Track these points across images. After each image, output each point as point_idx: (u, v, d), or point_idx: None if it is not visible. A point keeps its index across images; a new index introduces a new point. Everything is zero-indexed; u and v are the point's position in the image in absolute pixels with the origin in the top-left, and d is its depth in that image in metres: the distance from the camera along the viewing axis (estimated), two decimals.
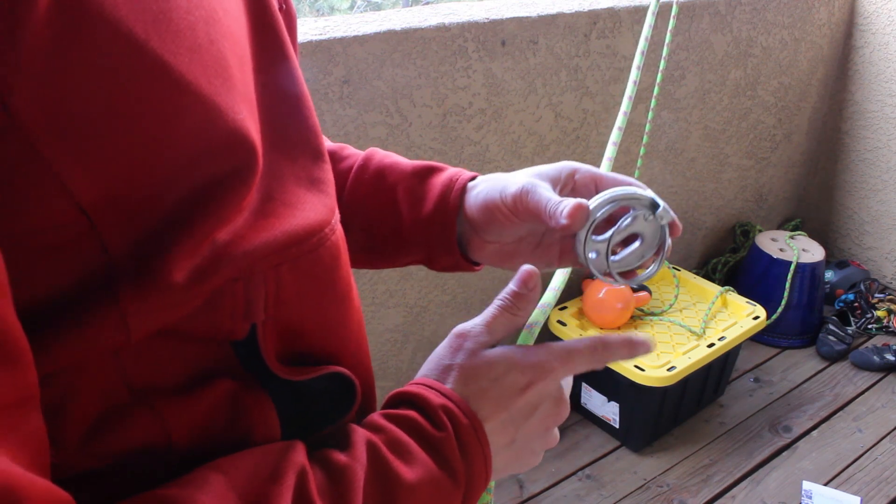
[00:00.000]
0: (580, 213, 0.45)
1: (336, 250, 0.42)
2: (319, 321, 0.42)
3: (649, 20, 0.70)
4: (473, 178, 0.55)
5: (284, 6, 0.44)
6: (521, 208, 0.50)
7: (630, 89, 0.68)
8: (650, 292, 1.75)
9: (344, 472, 0.38)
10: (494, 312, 0.48)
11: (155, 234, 0.32)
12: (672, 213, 0.50)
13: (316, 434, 0.44)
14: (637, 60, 0.69)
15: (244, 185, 0.34)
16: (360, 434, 0.41)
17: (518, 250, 0.55)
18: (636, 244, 0.50)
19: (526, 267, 0.49)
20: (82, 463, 0.33)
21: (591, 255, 0.49)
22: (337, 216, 0.43)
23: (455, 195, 0.54)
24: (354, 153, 0.62)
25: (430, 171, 0.56)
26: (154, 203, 0.31)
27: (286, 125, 0.41)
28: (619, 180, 0.52)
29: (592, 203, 0.48)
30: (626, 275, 0.51)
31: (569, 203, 0.46)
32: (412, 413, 0.43)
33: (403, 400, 0.45)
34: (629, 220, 0.49)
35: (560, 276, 0.59)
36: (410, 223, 0.56)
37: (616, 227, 0.48)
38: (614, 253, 0.50)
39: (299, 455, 0.38)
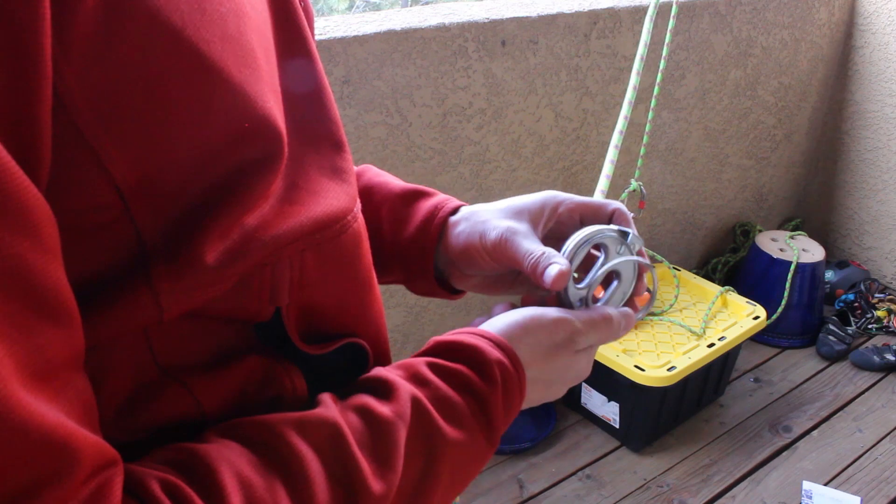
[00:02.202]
0: (562, 280, 0.47)
1: (358, 237, 0.43)
2: (342, 305, 0.44)
3: (647, 26, 0.70)
4: (458, 209, 0.55)
5: (303, 2, 0.45)
6: (500, 256, 0.51)
7: (630, 94, 0.69)
8: (650, 292, 1.76)
9: (386, 427, 0.38)
10: (611, 324, 0.50)
11: (186, 217, 0.33)
12: (640, 239, 0.52)
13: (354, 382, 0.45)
14: (637, 66, 0.69)
15: (271, 171, 0.36)
16: (405, 389, 0.41)
17: (500, 281, 0.56)
18: (615, 284, 0.52)
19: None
20: (117, 437, 0.33)
21: (578, 304, 0.50)
22: (359, 205, 0.44)
23: (437, 223, 0.54)
24: None
25: (417, 196, 0.56)
26: (186, 186, 0.33)
27: (308, 116, 0.42)
28: (601, 208, 0.53)
29: (565, 249, 0.50)
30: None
31: (550, 270, 0.47)
32: (463, 368, 0.43)
33: (455, 350, 0.45)
34: (602, 261, 0.51)
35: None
36: (391, 244, 0.56)
37: (591, 275, 0.50)
38: (596, 300, 0.52)
39: (327, 411, 0.38)
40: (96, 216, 0.31)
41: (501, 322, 0.47)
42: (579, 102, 1.61)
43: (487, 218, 0.52)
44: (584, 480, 1.56)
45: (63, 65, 0.27)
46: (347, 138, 0.45)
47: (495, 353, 0.44)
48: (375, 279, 0.48)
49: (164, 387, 0.36)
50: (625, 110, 0.67)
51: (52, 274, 0.27)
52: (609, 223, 0.52)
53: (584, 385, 1.68)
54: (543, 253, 0.48)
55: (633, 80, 0.68)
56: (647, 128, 1.57)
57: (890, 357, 1.87)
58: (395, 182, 0.58)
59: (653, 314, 1.72)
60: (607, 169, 0.68)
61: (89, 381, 0.31)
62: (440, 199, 0.56)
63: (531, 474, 1.56)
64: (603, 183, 0.68)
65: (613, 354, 1.54)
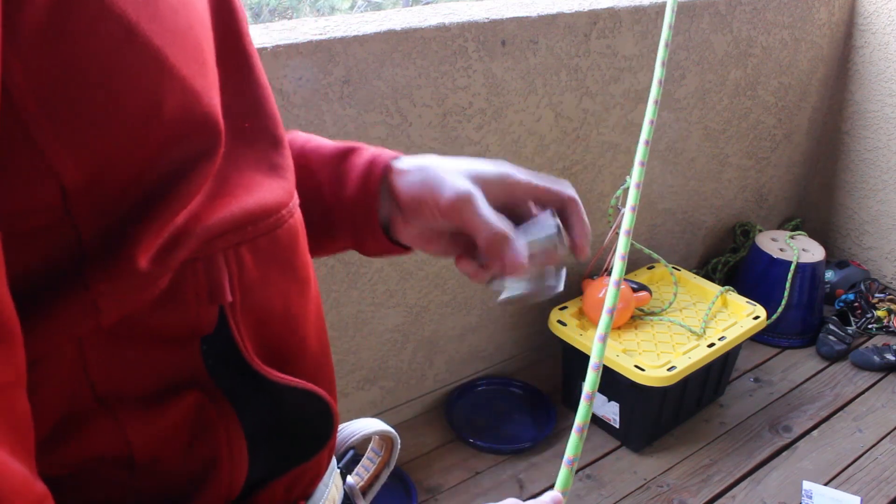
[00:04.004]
0: (520, 272, 0.49)
1: (294, 233, 0.42)
2: (283, 308, 0.42)
3: (671, 4, 0.68)
4: (396, 158, 0.54)
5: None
6: (453, 217, 0.49)
7: (655, 92, 0.68)
8: (650, 292, 1.75)
9: None
10: None
11: (125, 216, 0.32)
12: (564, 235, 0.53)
13: (291, 472, 0.43)
14: (661, 55, 0.68)
15: (208, 168, 0.35)
16: None
17: (438, 237, 0.55)
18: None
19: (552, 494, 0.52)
20: (41, 469, 0.32)
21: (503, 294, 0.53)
22: (296, 200, 0.43)
23: (376, 178, 0.53)
24: None
25: (349, 153, 0.55)
26: (130, 185, 0.32)
27: (245, 111, 0.41)
28: (552, 192, 0.53)
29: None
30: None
31: (513, 259, 0.49)
32: None
33: None
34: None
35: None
36: (334, 206, 0.54)
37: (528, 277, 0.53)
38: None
39: None
40: (37, 219, 0.29)
41: None
42: (579, 102, 1.61)
43: (442, 175, 0.50)
44: (584, 480, 1.56)
45: (11, 57, 0.26)
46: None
47: None
48: (314, 279, 0.47)
49: (93, 418, 0.35)
50: (650, 114, 0.66)
51: None
52: (561, 209, 0.53)
53: (584, 385, 1.68)
54: (506, 235, 0.48)
55: (658, 72, 0.67)
56: (645, 128, 1.56)
57: (890, 357, 1.87)
58: (326, 143, 0.57)
59: (653, 314, 1.72)
60: (641, 154, 0.67)
61: (28, 402, 0.29)
62: (373, 151, 0.55)
63: (531, 474, 1.56)
64: (632, 195, 0.68)
65: (613, 354, 1.54)
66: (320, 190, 0.54)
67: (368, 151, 0.55)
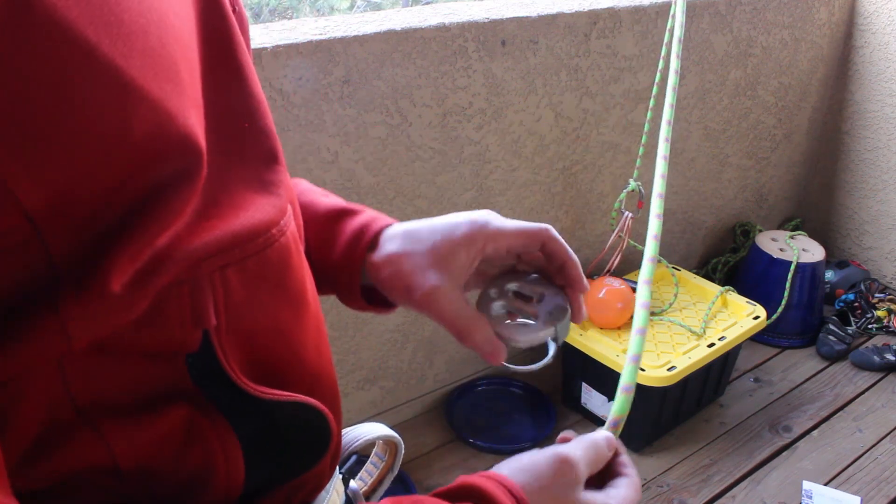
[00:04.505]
0: (498, 360, 0.51)
1: (286, 252, 0.41)
2: (273, 326, 0.41)
3: (680, 20, 0.69)
4: (387, 227, 0.54)
5: (236, 8, 0.44)
6: (427, 312, 0.51)
7: (671, 96, 0.69)
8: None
9: None
10: (598, 449, 0.50)
11: (100, 238, 0.31)
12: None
13: (291, 482, 0.43)
14: (675, 48, 0.69)
15: (188, 188, 0.34)
16: None
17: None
18: (545, 298, 0.55)
19: (604, 434, 0.51)
20: (21, 484, 0.32)
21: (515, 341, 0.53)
22: (288, 217, 0.42)
23: (362, 248, 0.53)
24: None
25: (342, 215, 0.55)
26: (101, 207, 0.31)
27: (237, 128, 0.40)
28: (532, 237, 0.53)
29: (494, 304, 0.54)
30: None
31: (489, 356, 0.51)
32: None
33: (480, 497, 0.43)
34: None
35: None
36: (318, 263, 0.55)
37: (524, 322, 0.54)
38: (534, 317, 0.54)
39: None
40: (2, 239, 0.28)
41: (530, 472, 0.46)
42: (579, 102, 1.61)
43: (411, 269, 0.51)
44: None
45: None
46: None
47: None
48: (311, 295, 0.46)
49: (75, 431, 0.34)
50: (667, 114, 0.67)
51: None
52: (545, 250, 0.54)
53: (584, 385, 1.68)
54: (473, 327, 0.50)
55: (674, 63, 0.68)
56: (646, 127, 1.57)
57: (890, 357, 1.87)
58: (321, 201, 0.57)
59: (653, 314, 1.71)
60: (661, 168, 0.68)
61: None
62: (365, 219, 0.55)
63: None
64: (658, 184, 0.69)
65: (613, 354, 1.54)
66: (307, 245, 0.54)
67: (360, 218, 0.55)
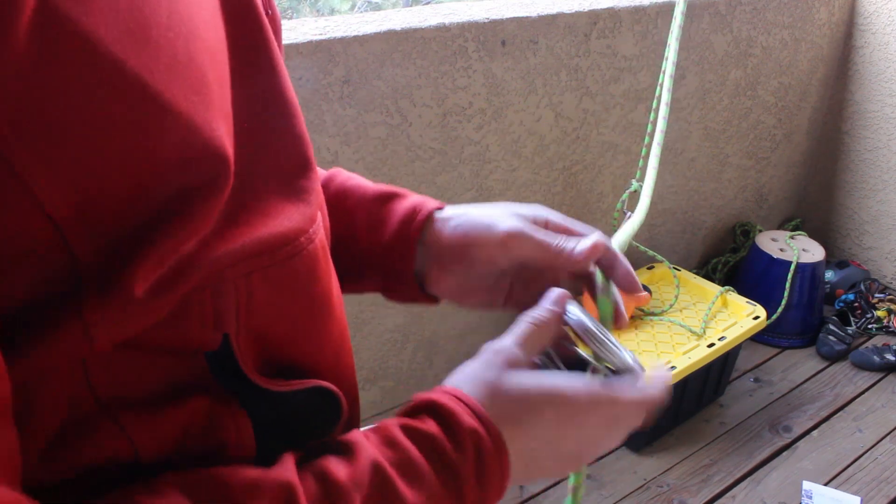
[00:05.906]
0: (596, 251, 0.49)
1: (313, 261, 0.41)
2: (293, 331, 0.41)
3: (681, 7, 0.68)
4: (440, 209, 0.54)
5: (270, 11, 0.43)
6: (514, 245, 0.50)
7: (666, 96, 0.68)
8: (650, 292, 1.76)
9: (341, 494, 0.36)
10: (527, 329, 0.47)
11: (123, 245, 0.31)
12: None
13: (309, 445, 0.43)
14: (674, 46, 0.68)
15: (214, 196, 0.34)
16: (367, 454, 0.39)
17: (476, 288, 0.54)
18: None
19: (556, 289, 0.49)
20: (44, 476, 0.32)
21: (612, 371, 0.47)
22: (318, 225, 0.42)
23: (417, 225, 0.52)
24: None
25: (392, 197, 0.55)
26: (126, 214, 0.31)
27: (269, 135, 0.40)
28: (585, 233, 0.52)
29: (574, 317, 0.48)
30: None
31: (583, 242, 0.49)
32: (435, 429, 0.40)
33: (429, 409, 0.42)
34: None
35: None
36: (368, 249, 0.54)
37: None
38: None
39: (285, 472, 0.37)
40: (25, 243, 0.29)
41: (498, 388, 0.44)
42: (579, 102, 1.61)
43: (489, 214, 0.51)
44: (584, 480, 1.56)
45: None
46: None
47: (470, 420, 0.41)
48: (337, 303, 0.46)
49: (97, 424, 0.34)
50: (663, 111, 0.66)
51: None
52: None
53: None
54: (603, 242, 0.50)
55: (669, 68, 0.67)
56: (648, 128, 1.57)
57: (890, 357, 1.87)
58: (368, 184, 0.57)
59: (653, 314, 1.72)
60: (653, 162, 0.67)
61: (15, 428, 0.29)
62: (418, 199, 0.54)
63: None
64: (651, 175, 0.68)
65: None
66: (354, 230, 0.54)
67: (411, 199, 0.54)
